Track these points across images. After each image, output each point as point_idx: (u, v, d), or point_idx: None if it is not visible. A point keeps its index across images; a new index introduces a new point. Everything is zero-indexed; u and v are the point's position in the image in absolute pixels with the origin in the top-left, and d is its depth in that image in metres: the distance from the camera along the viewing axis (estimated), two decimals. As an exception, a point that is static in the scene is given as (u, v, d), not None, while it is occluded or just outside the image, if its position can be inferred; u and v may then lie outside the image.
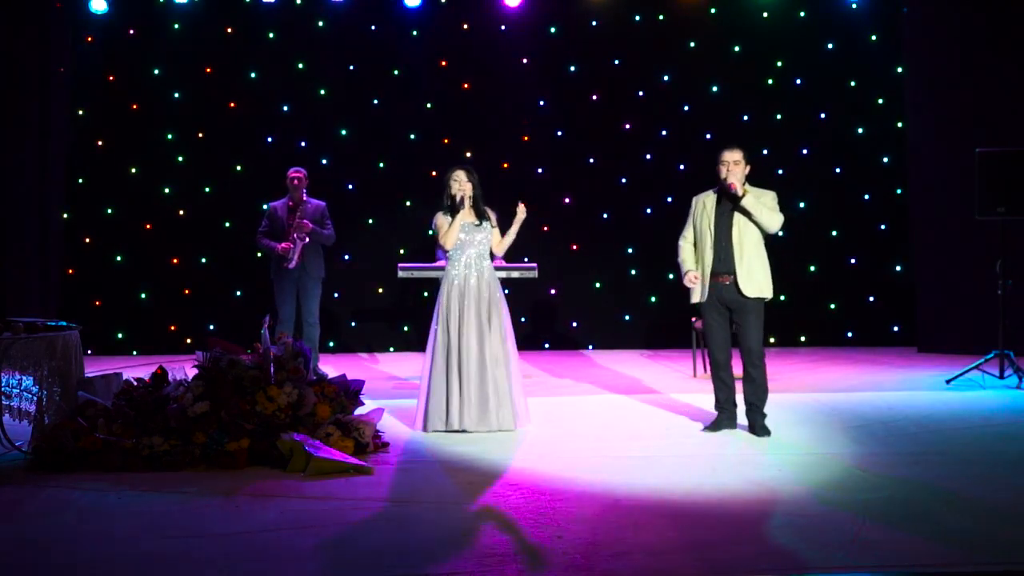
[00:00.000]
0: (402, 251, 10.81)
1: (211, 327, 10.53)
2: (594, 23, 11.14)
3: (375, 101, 11.08)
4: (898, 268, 11.09)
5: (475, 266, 6.74)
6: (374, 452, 6.02)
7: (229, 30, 10.99)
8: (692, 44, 11.19)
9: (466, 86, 11.13)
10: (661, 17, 11.18)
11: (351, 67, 11.05)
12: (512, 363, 6.72)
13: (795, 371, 9.27)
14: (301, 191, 8.66)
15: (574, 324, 11.30)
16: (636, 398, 7.94)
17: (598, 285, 11.23)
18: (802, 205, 11.11)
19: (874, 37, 11.09)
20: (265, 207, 8.95)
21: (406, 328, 11.16)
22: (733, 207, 6.36)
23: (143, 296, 10.88)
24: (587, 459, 5.79)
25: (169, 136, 10.94)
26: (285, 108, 11.03)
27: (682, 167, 11.04)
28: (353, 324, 11.15)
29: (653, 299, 11.14)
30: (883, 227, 11.13)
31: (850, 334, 11.17)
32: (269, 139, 10.97)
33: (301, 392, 5.98)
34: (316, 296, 8.72)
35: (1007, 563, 4.03)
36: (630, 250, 11.18)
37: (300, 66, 11.00)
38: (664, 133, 11.21)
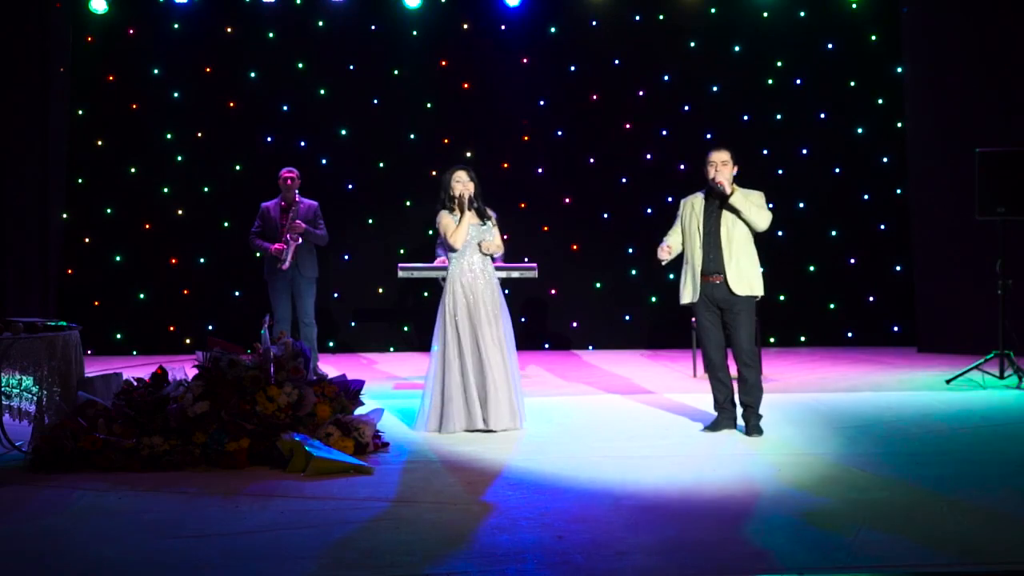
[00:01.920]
0: (402, 251, 10.81)
1: (211, 327, 10.53)
2: (594, 23, 11.14)
3: (375, 101, 11.08)
4: (898, 268, 11.09)
5: (480, 267, 6.74)
6: (374, 452, 6.02)
7: (229, 30, 11.00)
8: (692, 44, 11.19)
9: (466, 86, 11.14)
10: (661, 17, 11.18)
11: (351, 67, 11.05)
12: (513, 363, 6.73)
13: (795, 371, 9.27)
14: (294, 191, 8.65)
15: (574, 324, 11.30)
16: (636, 398, 7.94)
17: (598, 285, 11.23)
18: (802, 205, 11.12)
19: (874, 37, 11.09)
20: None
21: (406, 328, 11.16)
22: (721, 206, 6.38)
23: (142, 296, 10.88)
24: (587, 459, 5.79)
25: (168, 136, 10.94)
26: (285, 108, 11.03)
27: (682, 167, 11.04)
28: (353, 324, 11.15)
29: (653, 299, 11.14)
30: (883, 227, 11.13)
31: (850, 334, 11.17)
32: (269, 139, 10.97)
33: (301, 392, 5.98)
34: (311, 296, 8.72)
35: (1007, 563, 4.03)
36: (630, 250, 11.18)
37: (300, 66, 11.00)
38: (664, 133, 11.21)
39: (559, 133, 11.19)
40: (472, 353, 6.59)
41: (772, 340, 10.85)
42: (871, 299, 11.17)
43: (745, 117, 11.09)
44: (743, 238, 6.39)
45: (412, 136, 11.11)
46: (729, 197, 6.31)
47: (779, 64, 11.17)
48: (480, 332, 6.60)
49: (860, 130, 11.14)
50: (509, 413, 6.58)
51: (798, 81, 11.18)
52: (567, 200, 11.18)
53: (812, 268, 11.18)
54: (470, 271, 6.72)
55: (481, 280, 6.70)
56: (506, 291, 9.85)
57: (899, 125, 10.95)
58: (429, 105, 11.12)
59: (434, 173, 10.40)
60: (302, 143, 10.92)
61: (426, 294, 10.83)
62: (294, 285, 8.64)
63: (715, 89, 11.18)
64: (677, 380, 8.84)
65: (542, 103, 11.17)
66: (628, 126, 11.20)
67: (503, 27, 11.09)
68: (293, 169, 8.75)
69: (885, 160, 11.11)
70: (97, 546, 4.34)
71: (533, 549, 4.20)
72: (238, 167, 10.97)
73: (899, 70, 10.88)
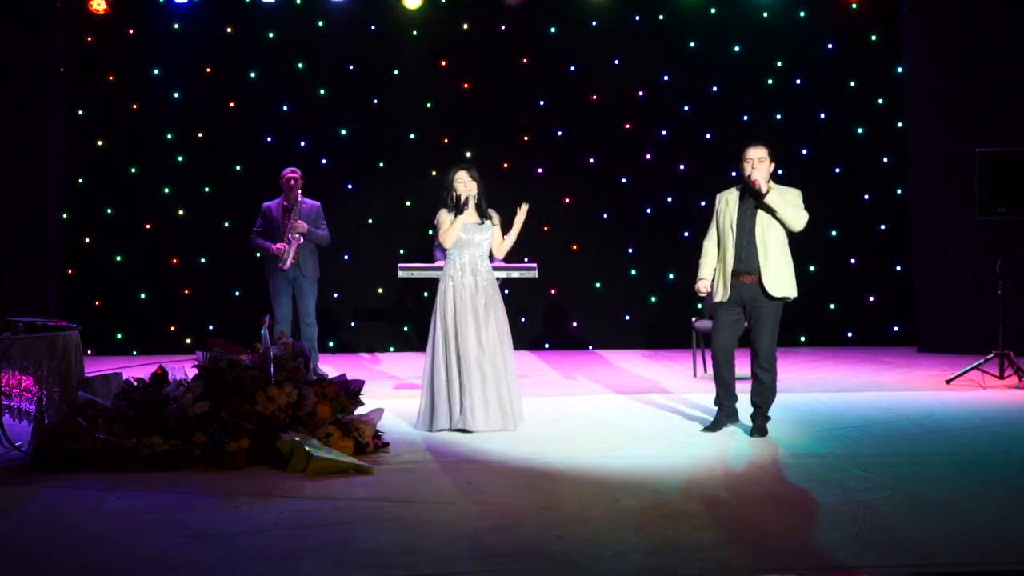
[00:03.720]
0: (402, 251, 10.81)
1: (211, 327, 10.53)
2: (594, 23, 11.14)
3: (375, 101, 11.09)
4: (898, 268, 11.09)
5: (472, 267, 6.73)
6: (374, 452, 6.02)
7: (229, 30, 10.99)
8: (692, 44, 11.19)
9: (466, 86, 11.13)
10: (661, 17, 11.18)
11: (351, 67, 11.05)
12: (509, 364, 6.72)
13: (795, 371, 9.27)
14: (297, 191, 8.64)
15: (574, 324, 11.30)
16: (636, 398, 7.94)
17: (598, 285, 11.23)
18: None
19: (874, 37, 11.10)
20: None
21: (406, 328, 11.16)
22: (757, 205, 6.31)
23: (143, 296, 10.88)
24: (587, 459, 5.79)
25: (169, 136, 10.94)
26: (285, 108, 11.03)
27: (682, 167, 11.05)
28: (353, 324, 11.15)
29: (653, 299, 11.14)
30: (883, 227, 11.13)
31: (850, 334, 11.17)
32: (269, 139, 10.97)
33: (301, 392, 5.98)
34: (312, 295, 8.72)
35: (1008, 563, 4.03)
36: (630, 250, 11.19)
37: (300, 66, 11.00)
38: (664, 133, 11.21)
39: (559, 133, 11.19)
40: (455, 353, 6.59)
41: (772, 340, 10.84)
42: (871, 299, 11.17)
43: (745, 117, 11.09)
44: (779, 238, 6.30)
45: (412, 136, 11.11)
46: (764, 196, 6.25)
47: (779, 64, 11.18)
48: (466, 332, 6.59)
49: (860, 130, 11.14)
50: (485, 415, 6.53)
51: (798, 81, 11.18)
52: (567, 200, 11.17)
53: (812, 268, 11.17)
54: (462, 271, 6.72)
55: (470, 279, 6.69)
56: (506, 291, 9.88)
57: (899, 125, 10.95)
58: (429, 105, 11.12)
59: (434, 173, 10.44)
60: (302, 143, 10.92)
61: (426, 294, 10.83)
62: (295, 285, 8.64)
63: (715, 89, 11.18)
64: (677, 380, 8.84)
65: (542, 103, 11.17)
66: (628, 126, 11.20)
67: (503, 27, 11.10)
68: (296, 169, 8.74)
69: (885, 160, 11.11)
70: (97, 546, 4.34)
71: (533, 549, 4.20)
72: (238, 167, 10.97)
73: (899, 70, 10.89)
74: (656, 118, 11.20)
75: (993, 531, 4.40)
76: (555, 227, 11.07)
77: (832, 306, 11.23)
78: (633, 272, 11.21)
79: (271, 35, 11.00)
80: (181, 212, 10.96)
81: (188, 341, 10.53)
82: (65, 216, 10.72)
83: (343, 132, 11.07)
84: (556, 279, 10.90)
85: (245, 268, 10.54)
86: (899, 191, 11.03)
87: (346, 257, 10.96)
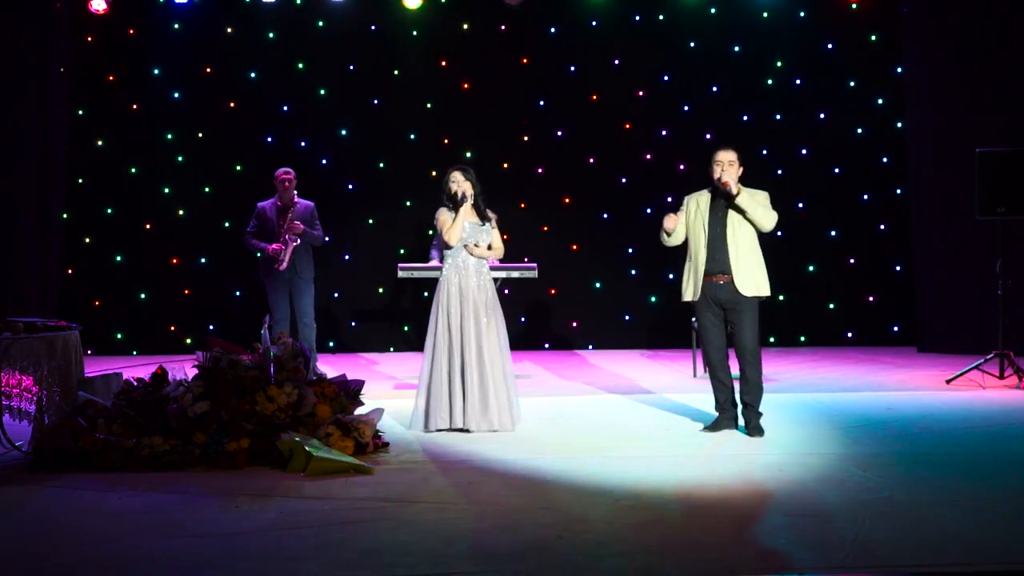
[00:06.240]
0: (402, 251, 10.81)
1: (211, 327, 10.53)
2: (594, 23, 11.15)
3: (375, 101, 11.09)
4: (898, 268, 11.09)
5: (472, 266, 6.73)
6: (374, 452, 6.02)
7: (229, 30, 11.00)
8: (692, 44, 11.20)
9: (466, 86, 11.14)
10: (661, 17, 11.19)
11: (351, 67, 11.06)
12: (506, 364, 6.72)
13: (795, 371, 9.27)
14: (292, 192, 8.64)
15: (574, 324, 11.31)
16: (636, 398, 7.94)
17: (598, 285, 11.23)
18: (802, 205, 11.12)
19: (874, 37, 11.10)
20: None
21: (406, 328, 11.16)
22: (727, 206, 6.36)
23: (143, 296, 10.88)
24: (587, 459, 5.79)
25: (169, 136, 10.94)
26: (285, 108, 11.04)
27: (682, 167, 11.05)
28: (353, 324, 11.15)
29: (653, 299, 11.15)
30: (883, 227, 11.13)
31: (850, 334, 11.17)
32: (269, 139, 10.98)
33: (301, 392, 5.98)
34: (309, 296, 8.72)
35: (1007, 563, 4.03)
36: (630, 250, 11.19)
37: (300, 66, 11.01)
38: (664, 133, 11.22)
39: (559, 133, 11.20)
40: (457, 352, 6.59)
41: (772, 340, 10.86)
42: (871, 299, 11.17)
43: (745, 117, 11.10)
44: (749, 238, 6.36)
45: (412, 136, 11.12)
46: (735, 197, 6.29)
47: (779, 64, 11.19)
48: (467, 332, 6.59)
49: (860, 130, 11.14)
50: (481, 416, 6.54)
51: (798, 81, 11.19)
52: (567, 200, 11.18)
53: (812, 268, 11.18)
54: (464, 270, 6.71)
55: (474, 279, 6.69)
56: (506, 291, 9.89)
57: (899, 125, 10.95)
58: (429, 105, 11.12)
59: (434, 173, 10.42)
60: (302, 143, 10.93)
61: (426, 294, 10.83)
62: (292, 286, 8.64)
63: (715, 89, 11.19)
64: (677, 380, 8.84)
65: (542, 103, 11.17)
66: (628, 126, 11.20)
67: (503, 27, 11.10)
68: (290, 170, 8.73)
69: (885, 160, 11.12)
70: (97, 546, 4.34)
71: (533, 549, 4.20)
72: (238, 167, 10.97)
73: (899, 70, 10.89)
74: (656, 118, 11.21)
75: (993, 531, 4.39)
76: (555, 227, 11.08)
77: (832, 306, 11.23)
78: (633, 272, 11.22)
79: (271, 35, 11.01)
80: (181, 212, 10.96)
81: (188, 341, 10.53)
82: (65, 216, 10.72)
83: (343, 132, 11.07)
84: (556, 279, 10.90)
85: (245, 268, 10.52)
86: (899, 191, 11.03)
87: (346, 257, 10.97)
